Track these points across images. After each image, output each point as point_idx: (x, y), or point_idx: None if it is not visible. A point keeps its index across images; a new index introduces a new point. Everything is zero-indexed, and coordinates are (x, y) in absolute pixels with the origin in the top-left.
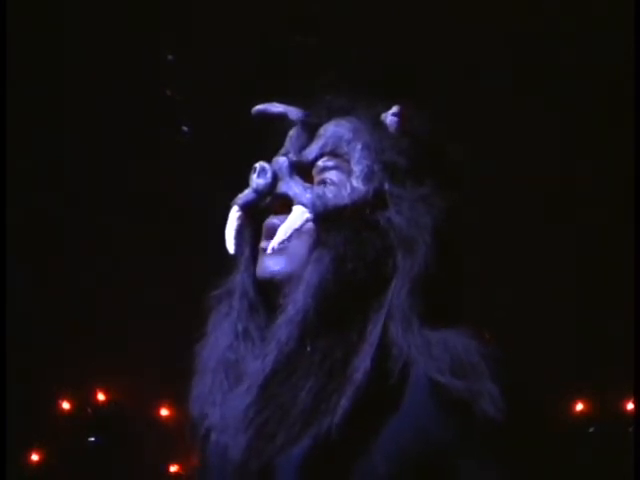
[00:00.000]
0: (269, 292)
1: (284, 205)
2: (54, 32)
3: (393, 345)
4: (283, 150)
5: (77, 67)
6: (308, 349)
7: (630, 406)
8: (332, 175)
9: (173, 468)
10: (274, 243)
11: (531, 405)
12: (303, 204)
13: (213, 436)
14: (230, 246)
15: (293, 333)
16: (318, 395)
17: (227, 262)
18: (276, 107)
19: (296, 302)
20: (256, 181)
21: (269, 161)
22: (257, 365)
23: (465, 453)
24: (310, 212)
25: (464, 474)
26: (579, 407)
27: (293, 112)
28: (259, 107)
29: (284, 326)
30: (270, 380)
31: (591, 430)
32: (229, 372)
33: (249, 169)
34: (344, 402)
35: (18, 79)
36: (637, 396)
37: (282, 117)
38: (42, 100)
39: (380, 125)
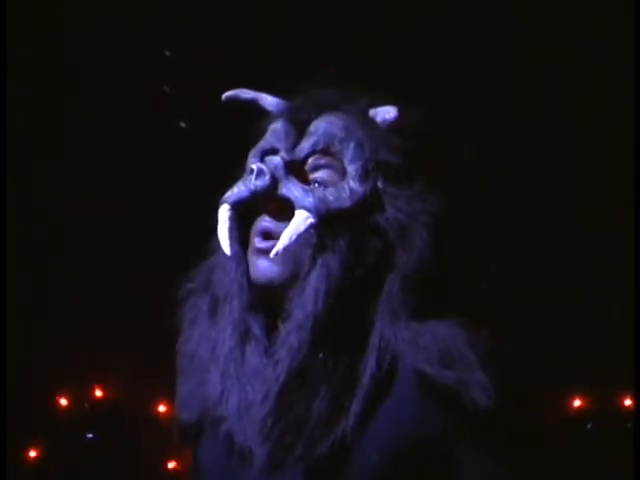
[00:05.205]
0: (265, 291)
1: (281, 207)
2: (54, 31)
3: (381, 339)
4: (264, 143)
5: (76, 65)
6: (321, 355)
7: (628, 402)
8: (324, 174)
9: (171, 464)
10: (278, 247)
11: (522, 392)
12: (306, 208)
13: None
14: (226, 247)
15: (305, 339)
16: (332, 401)
17: (194, 254)
18: (246, 93)
19: (305, 307)
20: (254, 183)
21: (247, 153)
22: (270, 372)
23: (457, 443)
24: (314, 217)
25: (458, 464)
26: (577, 403)
27: (267, 101)
28: (229, 93)
29: (294, 332)
30: (285, 388)
31: (589, 426)
32: (240, 374)
33: (242, 164)
34: (355, 406)
35: (18, 79)
36: (635, 392)
37: (253, 103)
38: (42, 99)
39: (370, 122)
